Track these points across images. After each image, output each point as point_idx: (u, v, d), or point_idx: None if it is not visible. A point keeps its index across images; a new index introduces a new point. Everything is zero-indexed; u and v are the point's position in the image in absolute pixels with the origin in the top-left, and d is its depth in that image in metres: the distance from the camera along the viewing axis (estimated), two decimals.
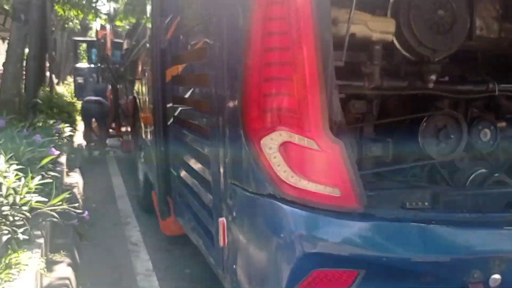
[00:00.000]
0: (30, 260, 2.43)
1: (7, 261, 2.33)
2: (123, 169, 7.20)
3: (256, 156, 1.55)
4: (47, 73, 9.26)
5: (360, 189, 1.52)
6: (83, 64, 13.34)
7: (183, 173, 2.66)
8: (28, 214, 2.45)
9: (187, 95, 2.38)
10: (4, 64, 5.99)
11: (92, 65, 12.56)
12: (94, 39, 12.73)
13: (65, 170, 5.56)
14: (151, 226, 4.42)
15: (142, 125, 4.36)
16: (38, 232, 2.78)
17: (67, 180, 5.58)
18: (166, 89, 2.96)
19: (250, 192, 1.60)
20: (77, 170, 6.26)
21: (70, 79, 16.84)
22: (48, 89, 8.28)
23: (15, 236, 2.38)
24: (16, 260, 2.37)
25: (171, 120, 2.88)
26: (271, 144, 1.51)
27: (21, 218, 2.45)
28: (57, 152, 2.85)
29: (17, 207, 2.43)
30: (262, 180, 1.54)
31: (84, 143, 8.94)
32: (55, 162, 3.54)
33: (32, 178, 2.49)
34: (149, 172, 4.22)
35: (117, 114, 8.14)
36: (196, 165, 2.34)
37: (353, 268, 1.51)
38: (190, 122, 2.48)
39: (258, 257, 1.59)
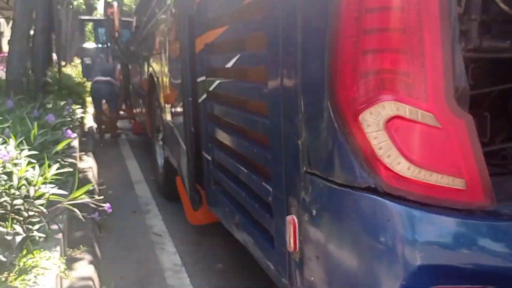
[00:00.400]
0: (48, 262, 2.08)
1: (21, 264, 1.98)
2: (137, 152, 6.85)
3: (348, 136, 1.16)
4: (53, 54, 8.89)
5: (488, 180, 1.14)
6: (90, 44, 12.92)
7: (222, 158, 2.28)
8: (44, 209, 2.09)
9: (229, 64, 1.98)
10: (9, 42, 5.60)
11: (100, 45, 12.16)
12: (101, 18, 12.30)
13: (78, 154, 5.21)
14: (174, 214, 4.07)
15: (162, 104, 3.97)
16: (55, 227, 2.43)
17: (80, 165, 5.23)
18: (196, 61, 2.57)
19: (338, 184, 1.21)
20: (90, 154, 5.91)
21: (77, 61, 16.42)
22: (55, 69, 7.91)
23: (31, 234, 2.03)
24: (32, 263, 2.03)
25: (204, 96, 2.48)
26: (371, 120, 1.12)
27: (36, 214, 2.09)
28: (74, 135, 2.48)
29: (31, 200, 2.07)
30: (356, 169, 1.16)
31: (95, 125, 8.61)
32: (68, 147, 3.18)
33: (49, 166, 2.12)
34: (171, 156, 3.85)
35: (128, 95, 7.79)
36: (244, 148, 1.96)
37: (480, 285, 1.14)
38: (234, 96, 2.08)
39: (350, 269, 1.22)
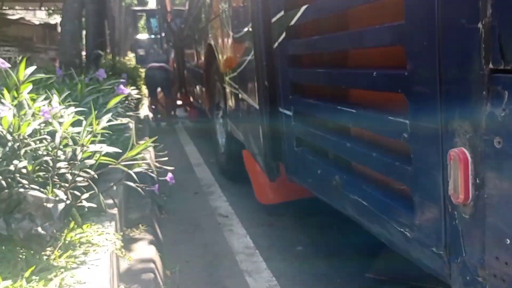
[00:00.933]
0: (101, 237, 1.68)
1: (67, 239, 1.58)
2: (195, 138, 6.50)
3: None
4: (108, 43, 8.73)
5: None
6: (144, 36, 12.80)
7: (310, 107, 1.78)
8: (93, 173, 1.69)
9: None
10: (61, 22, 5.38)
11: (153, 36, 12.01)
12: (153, 8, 12.16)
13: (133, 135, 4.90)
14: (240, 195, 3.63)
15: (224, 70, 3.54)
16: (109, 200, 2.04)
17: None
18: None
19: None
20: (146, 138, 5.60)
21: (131, 55, 16.47)
22: (110, 57, 7.72)
23: (78, 203, 1.63)
24: (80, 238, 1.62)
25: (282, 37, 2.00)
26: None
27: (85, 179, 1.69)
28: (128, 91, 2.07)
29: (78, 162, 1.67)
30: None
31: (150, 114, 8.37)
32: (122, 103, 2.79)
33: (97, 120, 1.71)
34: (235, 129, 3.41)
35: (183, 82, 7.41)
36: (350, 79, 1.45)
37: None
38: (333, 15, 1.57)
39: None
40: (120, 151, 1.73)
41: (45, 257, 1.47)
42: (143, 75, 8.42)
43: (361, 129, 1.42)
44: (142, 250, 2.21)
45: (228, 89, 3.48)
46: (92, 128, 1.70)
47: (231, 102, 3.45)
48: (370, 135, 1.35)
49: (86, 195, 1.69)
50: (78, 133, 1.70)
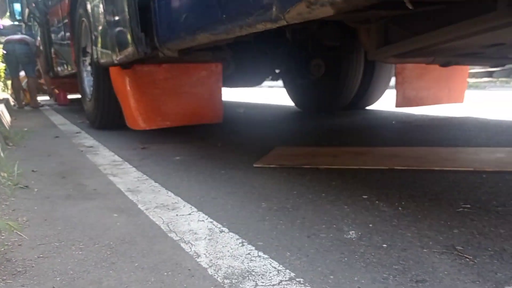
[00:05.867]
0: None
1: None
2: (62, 112, 5.81)
3: None
4: None
5: None
6: (5, 21, 11.46)
7: None
8: None
9: None
10: None
11: (16, 23, 10.83)
12: None
13: None
14: (108, 136, 3.18)
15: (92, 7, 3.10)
16: None
17: None
18: None
19: None
20: (1, 105, 4.82)
21: None
22: None
23: None
24: None
25: None
26: None
27: None
28: None
29: None
30: None
31: (12, 101, 7.41)
32: None
33: None
34: (103, 50, 2.95)
35: (51, 64, 6.54)
36: None
37: None
38: None
39: None
40: None
41: None
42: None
43: None
44: None
45: (96, 14, 3.04)
46: None
47: (99, 24, 3.00)
48: None
49: None
50: None
